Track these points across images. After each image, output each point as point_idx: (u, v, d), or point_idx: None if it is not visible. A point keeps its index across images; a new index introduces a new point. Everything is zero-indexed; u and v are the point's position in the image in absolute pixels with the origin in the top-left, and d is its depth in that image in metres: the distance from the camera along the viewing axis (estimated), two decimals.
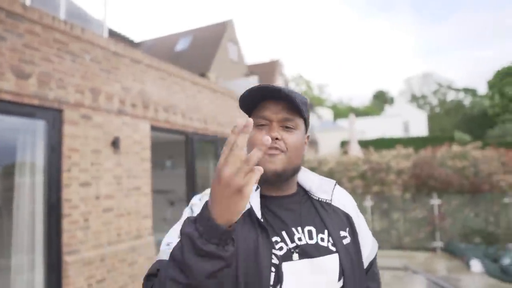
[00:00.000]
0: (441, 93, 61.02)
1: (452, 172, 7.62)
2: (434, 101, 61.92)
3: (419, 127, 43.20)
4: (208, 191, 1.07)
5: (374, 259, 1.21)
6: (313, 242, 1.03)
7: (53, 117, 4.17)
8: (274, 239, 1.01)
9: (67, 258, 4.09)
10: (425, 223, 7.74)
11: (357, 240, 1.11)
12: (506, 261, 5.92)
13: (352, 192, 8.27)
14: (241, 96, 1.07)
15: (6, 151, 4.13)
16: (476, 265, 6.25)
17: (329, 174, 8.63)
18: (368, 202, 8.00)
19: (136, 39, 26.58)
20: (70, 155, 4.27)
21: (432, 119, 55.73)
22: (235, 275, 0.93)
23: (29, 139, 4.09)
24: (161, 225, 7.29)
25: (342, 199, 1.18)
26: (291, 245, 1.01)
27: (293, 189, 1.13)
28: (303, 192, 1.16)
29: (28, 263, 4.10)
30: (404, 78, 75.51)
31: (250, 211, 1.02)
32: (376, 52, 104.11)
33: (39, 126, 4.08)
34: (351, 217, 1.14)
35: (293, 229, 1.04)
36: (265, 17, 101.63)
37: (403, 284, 5.53)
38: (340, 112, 59.94)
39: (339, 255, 1.03)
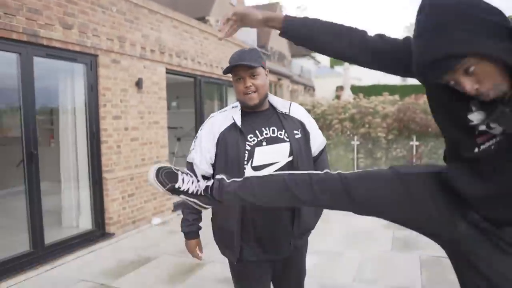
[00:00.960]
0: None
1: (431, 118, 8.69)
2: None
3: None
4: (208, 119, 1.99)
5: (323, 150, 2.03)
6: (274, 135, 1.87)
7: (91, 61, 5.09)
8: (249, 135, 1.84)
9: (106, 176, 5.21)
10: (404, 162, 8.93)
11: (308, 137, 1.94)
12: None
13: (341, 132, 9.38)
14: (226, 67, 1.85)
15: (55, 89, 5.10)
16: None
17: (322, 116, 9.68)
18: (355, 142, 9.14)
19: None
20: (104, 93, 5.25)
21: None
22: (225, 160, 1.83)
23: (73, 80, 5.05)
24: (170, 158, 8.43)
25: (297, 112, 1.98)
26: (260, 137, 1.85)
27: (265, 107, 1.95)
28: (272, 108, 1.97)
29: (74, 180, 5.21)
30: (406, 25, 74.53)
31: (235, 123, 1.87)
32: None
33: (80, 68, 5.02)
34: (303, 123, 1.96)
35: (263, 128, 1.87)
36: None
37: None
38: None
39: (290, 143, 1.85)
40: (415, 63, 1.05)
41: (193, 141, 1.98)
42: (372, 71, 1.46)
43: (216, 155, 1.89)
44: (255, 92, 1.85)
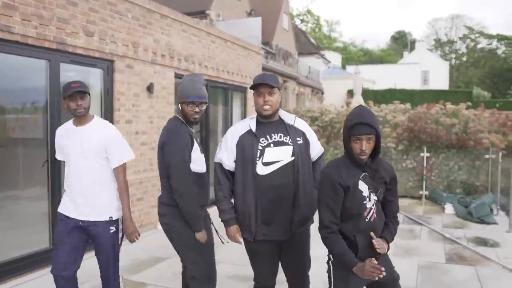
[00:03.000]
0: (471, 39, 62.13)
1: (442, 128, 9.79)
2: (462, 48, 63.26)
3: (440, 79, 44.72)
4: (231, 128, 3.32)
5: (320, 157, 3.26)
6: (281, 139, 3.03)
7: (107, 66, 6.17)
8: (261, 138, 3.01)
9: None
10: (414, 173, 10.02)
11: (308, 144, 3.13)
12: (472, 205, 8.23)
13: None
14: (253, 84, 3.01)
15: None
16: (449, 208, 8.59)
17: (330, 124, 10.77)
18: None
19: None
20: (119, 98, 6.32)
21: (458, 69, 57.35)
22: (242, 157, 3.04)
23: (93, 84, 6.11)
24: None
25: (301, 124, 3.18)
26: (270, 141, 3.02)
27: (276, 118, 3.10)
28: (281, 120, 3.11)
29: None
30: (429, 20, 76.12)
31: (251, 129, 3.05)
32: None
33: (98, 73, 6.09)
34: (305, 133, 3.14)
35: (272, 134, 3.04)
36: None
37: None
38: (352, 55, 61.28)
39: (293, 146, 3.01)
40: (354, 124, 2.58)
41: (219, 145, 3.24)
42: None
43: (236, 153, 3.06)
44: (270, 106, 3.00)
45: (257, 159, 2.98)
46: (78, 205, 3.30)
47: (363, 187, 2.60)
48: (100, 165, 3.30)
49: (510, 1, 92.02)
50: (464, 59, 61.00)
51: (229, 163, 3.08)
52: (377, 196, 2.65)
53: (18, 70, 5.25)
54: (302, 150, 3.05)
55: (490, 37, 59.30)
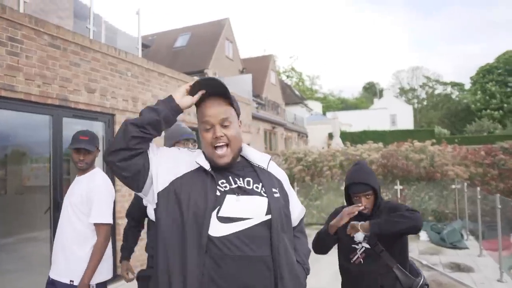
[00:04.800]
0: (429, 86, 62.99)
1: (412, 163, 9.39)
2: (422, 94, 63.93)
3: (406, 120, 44.91)
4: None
5: (302, 221, 1.74)
6: (250, 187, 1.50)
7: (109, 120, 5.79)
8: (220, 180, 1.48)
9: (119, 222, 5.75)
10: None
11: (286, 199, 1.59)
12: (444, 232, 7.71)
13: (331, 178, 10.02)
14: (194, 83, 1.49)
15: None
16: (423, 235, 8.05)
17: (313, 163, 10.35)
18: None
19: (133, 33, 27.92)
20: None
21: (420, 112, 57.75)
22: (186, 204, 1.41)
23: None
24: None
25: (277, 171, 1.67)
26: (234, 186, 1.48)
27: (238, 159, 1.58)
28: (245, 161, 1.62)
29: None
30: (394, 72, 77.40)
31: (201, 167, 1.48)
32: (367, 44, 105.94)
33: (100, 126, 5.70)
34: (282, 183, 1.64)
35: (236, 178, 1.51)
36: (258, 10, 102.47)
37: None
38: (331, 103, 61.69)
39: (268, 199, 1.47)
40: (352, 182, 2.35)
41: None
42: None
43: (167, 195, 1.46)
44: (227, 145, 1.51)
45: (210, 210, 1.41)
46: (53, 259, 2.71)
47: (358, 235, 2.31)
48: (78, 219, 2.61)
49: (455, 54, 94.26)
50: (425, 103, 61.43)
51: (149, 206, 1.55)
52: (370, 246, 2.29)
53: (25, 124, 4.87)
54: (280, 207, 1.52)
55: (444, 84, 60.31)
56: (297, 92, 41.58)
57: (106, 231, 2.61)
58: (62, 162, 4.97)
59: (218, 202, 1.43)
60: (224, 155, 1.49)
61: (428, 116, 55.15)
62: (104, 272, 2.63)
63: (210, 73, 19.04)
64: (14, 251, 5.56)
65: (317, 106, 44.69)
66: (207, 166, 1.49)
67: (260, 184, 1.53)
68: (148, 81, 6.65)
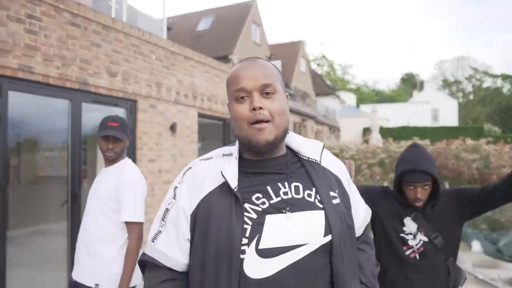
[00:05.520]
0: (476, 79, 61.24)
1: (464, 163, 9.04)
2: (468, 87, 62.24)
3: (449, 116, 43.79)
4: (185, 174, 1.25)
5: (367, 227, 1.42)
6: (299, 196, 1.15)
7: (130, 106, 5.73)
8: (255, 195, 1.13)
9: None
10: None
11: (348, 203, 1.26)
12: (501, 243, 7.37)
13: (370, 177, 9.77)
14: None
15: (93, 131, 5.71)
16: (476, 245, 7.73)
17: None
18: None
19: (155, 15, 28.08)
20: (142, 137, 5.84)
21: (466, 107, 56.29)
22: (203, 245, 1.12)
23: None
24: None
25: (332, 163, 1.31)
26: (276, 199, 1.13)
27: (282, 151, 1.24)
28: (292, 153, 1.27)
29: None
30: (436, 62, 75.65)
31: (226, 182, 1.13)
32: (406, 31, 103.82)
33: (121, 113, 5.65)
34: (341, 181, 1.28)
35: (279, 184, 1.16)
36: None
37: None
38: (364, 96, 60.83)
39: (325, 211, 1.13)
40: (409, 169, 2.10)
41: (159, 215, 1.27)
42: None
43: (192, 239, 1.18)
44: (269, 122, 1.16)
45: (244, 245, 1.10)
46: (76, 260, 2.62)
47: (410, 226, 2.17)
48: (105, 216, 2.49)
49: (507, 44, 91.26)
50: (471, 97, 59.78)
51: (178, 258, 1.19)
52: (429, 239, 2.14)
53: (41, 109, 4.85)
54: (342, 217, 1.19)
55: (494, 76, 58.40)
56: (328, 82, 41.14)
57: (139, 231, 2.49)
58: (81, 151, 4.94)
59: (254, 230, 1.10)
60: (265, 128, 1.14)
61: (475, 112, 53.63)
62: (134, 276, 2.53)
63: (235, 58, 18.93)
64: (27, 243, 5.59)
65: (350, 98, 44.07)
66: (233, 182, 1.14)
67: (314, 189, 1.18)
68: (173, 65, 6.56)
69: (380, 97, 62.50)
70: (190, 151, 6.91)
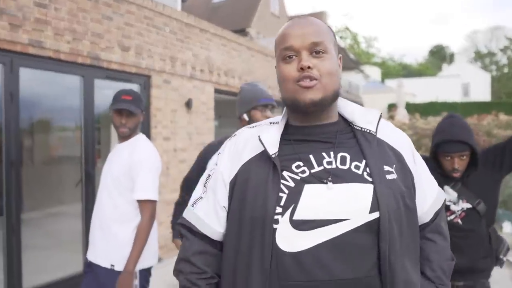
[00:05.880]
0: None
1: (496, 140, 8.84)
2: (503, 60, 60.55)
3: (482, 91, 42.83)
4: (229, 140, 1.28)
5: (440, 209, 1.27)
6: (345, 167, 1.10)
7: (144, 82, 5.74)
8: (295, 164, 1.11)
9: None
10: None
11: (409, 182, 1.15)
12: None
13: None
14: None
15: (106, 109, 5.76)
16: (507, 226, 7.63)
17: None
18: None
19: None
20: (156, 114, 5.87)
21: (499, 81, 54.86)
22: (240, 213, 1.12)
23: None
24: None
25: (392, 135, 1.22)
26: (318, 169, 1.09)
27: (332, 119, 1.19)
28: (345, 122, 1.22)
29: None
30: (468, 33, 73.60)
31: (265, 150, 1.12)
32: (435, 1, 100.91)
33: (135, 89, 5.65)
34: (402, 156, 1.18)
35: (324, 153, 1.12)
36: None
37: None
38: (390, 70, 59.80)
39: (374, 186, 1.06)
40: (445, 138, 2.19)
41: (202, 180, 1.30)
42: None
43: (231, 203, 1.17)
44: (317, 80, 1.11)
45: (278, 214, 1.07)
46: (90, 240, 2.66)
47: (450, 193, 2.29)
48: (119, 194, 2.50)
49: None
50: (506, 70, 58.19)
51: (214, 226, 1.20)
52: (473, 205, 2.27)
53: (52, 86, 4.90)
54: (397, 197, 1.10)
55: None
56: (351, 56, 40.48)
57: (151, 209, 2.51)
58: (94, 130, 4.99)
59: (291, 198, 1.07)
60: (312, 86, 1.09)
61: (509, 86, 52.24)
62: (149, 257, 2.56)
63: (252, 32, 18.75)
64: (42, 226, 5.73)
65: (374, 72, 43.34)
66: (272, 145, 1.12)
67: (364, 161, 1.11)
68: (188, 38, 6.52)
69: (407, 71, 61.35)
70: (207, 129, 6.92)
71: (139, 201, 2.49)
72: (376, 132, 1.16)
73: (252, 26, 19.16)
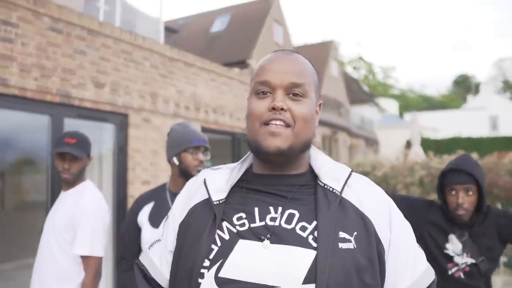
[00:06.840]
0: None
1: None
2: None
3: (511, 124, 42.85)
4: (189, 181, 1.30)
5: None
6: (289, 227, 1.05)
7: (120, 121, 5.84)
8: (238, 215, 1.09)
9: None
10: None
11: (373, 254, 1.06)
12: None
13: None
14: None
15: None
16: None
17: (383, 180, 9.98)
18: None
19: (163, 17, 28.68)
20: (134, 155, 5.94)
21: None
22: (177, 262, 1.13)
23: (102, 141, 5.78)
24: None
25: (364, 197, 1.14)
26: (258, 224, 1.06)
27: (298, 170, 1.16)
28: (312, 175, 1.17)
29: None
30: (495, 61, 74.26)
31: (209, 196, 1.13)
32: (458, 28, 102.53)
33: (110, 129, 5.77)
34: (371, 224, 1.09)
35: (271, 207, 1.09)
36: None
37: None
38: (410, 102, 60.12)
39: (318, 253, 1.00)
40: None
41: (163, 221, 1.34)
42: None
43: (175, 249, 1.19)
44: (289, 127, 1.11)
45: (205, 268, 1.05)
46: None
47: (454, 244, 2.36)
48: (60, 249, 2.49)
49: None
50: None
51: (164, 273, 1.22)
52: (476, 262, 2.33)
53: (18, 126, 5.00)
54: (349, 270, 1.01)
55: None
56: (366, 88, 40.90)
57: (95, 266, 2.51)
58: None
59: (221, 252, 1.05)
60: (279, 133, 1.07)
61: None
62: None
63: (253, 63, 19.07)
64: (12, 279, 5.68)
65: (391, 106, 43.62)
66: (216, 195, 1.13)
67: (314, 223, 1.06)
68: (171, 73, 6.67)
69: (428, 104, 61.61)
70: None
71: (83, 257, 2.49)
72: (341, 191, 1.11)
73: (253, 57, 19.48)
